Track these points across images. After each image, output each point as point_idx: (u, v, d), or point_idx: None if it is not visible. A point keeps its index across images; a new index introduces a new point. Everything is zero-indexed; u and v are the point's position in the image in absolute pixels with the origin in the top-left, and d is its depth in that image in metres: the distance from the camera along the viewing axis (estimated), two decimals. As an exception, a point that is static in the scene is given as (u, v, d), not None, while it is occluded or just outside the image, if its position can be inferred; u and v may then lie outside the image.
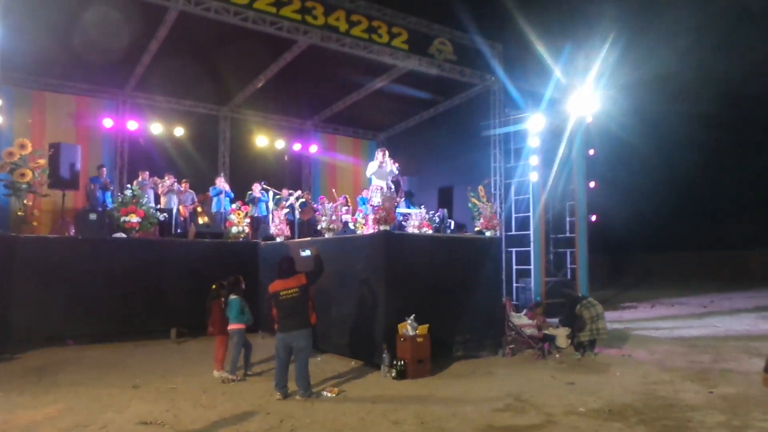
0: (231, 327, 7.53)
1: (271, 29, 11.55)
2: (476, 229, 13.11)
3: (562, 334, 9.17)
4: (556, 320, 9.81)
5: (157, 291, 10.49)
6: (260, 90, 15.25)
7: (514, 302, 13.16)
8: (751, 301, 17.10)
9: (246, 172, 16.00)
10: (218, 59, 13.48)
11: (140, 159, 14.70)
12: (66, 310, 9.71)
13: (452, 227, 14.17)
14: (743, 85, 24.10)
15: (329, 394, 6.57)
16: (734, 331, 11.30)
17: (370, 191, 10.96)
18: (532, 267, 14.00)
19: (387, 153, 11.28)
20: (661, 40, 19.36)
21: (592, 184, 15.41)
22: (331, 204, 9.73)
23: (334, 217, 9.31)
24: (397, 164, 11.09)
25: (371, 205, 10.80)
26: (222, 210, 12.95)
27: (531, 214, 14.18)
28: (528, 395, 6.54)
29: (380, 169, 10.96)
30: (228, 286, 7.66)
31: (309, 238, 10.20)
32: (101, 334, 10.05)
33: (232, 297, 7.55)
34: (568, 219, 15.21)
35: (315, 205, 15.03)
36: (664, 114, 23.25)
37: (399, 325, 7.64)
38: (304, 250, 8.21)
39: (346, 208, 13.38)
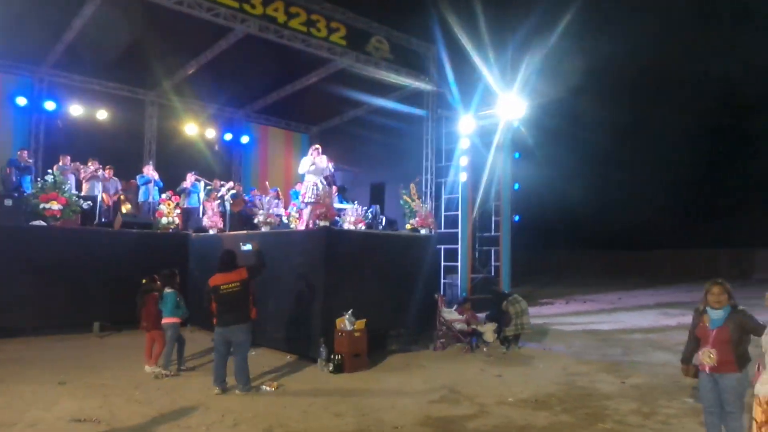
0: (165, 321, 7.36)
1: (208, 15, 11.24)
2: (408, 226, 13.47)
3: (489, 329, 9.63)
4: (483, 315, 10.28)
5: (79, 283, 9.99)
6: (191, 76, 14.78)
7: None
8: (653, 298, 18.56)
9: (174, 161, 15.48)
10: (148, 42, 12.92)
11: (58, 142, 13.82)
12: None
13: (384, 223, 14.44)
14: (658, 90, 26.11)
15: (268, 389, 6.61)
16: (639, 326, 12.26)
17: (303, 187, 10.96)
18: (459, 264, 14.51)
19: (320, 150, 11.29)
20: (586, 45, 20.52)
21: (516, 186, 16.20)
22: (267, 197, 9.66)
23: (271, 211, 9.26)
24: (332, 163, 11.13)
25: (304, 201, 10.84)
26: (150, 200, 12.47)
27: (459, 213, 14.68)
28: (461, 387, 6.88)
29: (314, 165, 10.96)
30: (163, 278, 7.47)
31: (245, 231, 10.08)
32: (16, 327, 9.46)
33: (168, 290, 7.38)
34: (493, 218, 15.87)
35: (245, 197, 14.85)
36: (584, 120, 24.76)
37: (337, 320, 7.77)
38: (244, 244, 8.13)
39: (278, 201, 13.29)
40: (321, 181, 10.67)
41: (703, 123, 27.85)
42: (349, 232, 8.79)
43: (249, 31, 11.89)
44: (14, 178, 10.28)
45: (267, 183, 13.47)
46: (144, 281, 7.68)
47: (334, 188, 9.01)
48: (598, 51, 21.96)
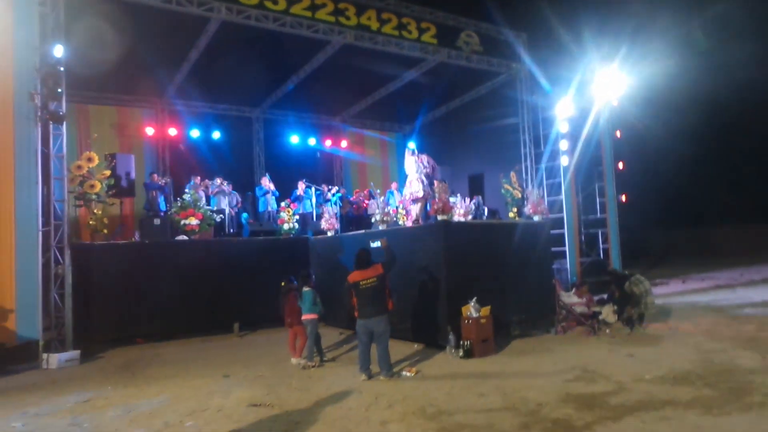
0: (305, 317, 8.05)
1: (308, 32, 12.04)
2: (510, 214, 13.55)
3: (609, 311, 9.61)
4: (602, 297, 10.25)
5: (218, 288, 11.03)
6: (292, 90, 15.75)
7: (553, 283, 13.63)
8: (778, 272, 17.43)
9: (280, 171, 16.53)
10: (252, 63, 13.97)
11: (180, 163, 15.30)
12: (136, 311, 10.29)
13: (486, 213, 14.65)
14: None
15: (409, 374, 7.09)
16: (770, 302, 11.67)
17: (408, 185, 11.39)
18: (567, 248, 14.42)
19: (417, 152, 11.65)
20: (687, 25, 19.60)
21: (620, 165, 15.80)
22: (382, 198, 10.20)
23: (386, 210, 9.79)
24: (429, 159, 11.44)
25: (410, 199, 11.29)
26: (269, 209, 13.48)
27: (563, 196, 14.57)
28: (593, 367, 7.02)
29: (417, 165, 11.36)
30: (301, 279, 8.18)
31: (362, 231, 10.70)
32: (167, 332, 10.63)
33: (305, 289, 8.07)
34: (598, 200, 15.59)
35: (349, 199, 15.60)
36: (687, 93, 23.50)
37: (463, 308, 8.13)
38: (374, 241, 8.71)
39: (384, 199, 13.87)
40: (423, 178, 11.06)
41: None
42: (465, 224, 9.12)
43: (346, 41, 12.55)
44: (159, 200, 11.55)
45: (372, 184, 14.05)
46: (283, 283, 8.41)
47: (445, 184, 9.32)
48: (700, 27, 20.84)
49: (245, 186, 15.68)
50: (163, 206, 11.52)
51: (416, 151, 11.41)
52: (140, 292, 10.31)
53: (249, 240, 11.97)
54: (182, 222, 10.83)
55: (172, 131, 15.26)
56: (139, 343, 10.27)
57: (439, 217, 8.62)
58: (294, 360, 8.13)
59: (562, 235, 14.38)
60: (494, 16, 14.93)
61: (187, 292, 10.75)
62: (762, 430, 4.70)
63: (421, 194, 10.54)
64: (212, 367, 8.21)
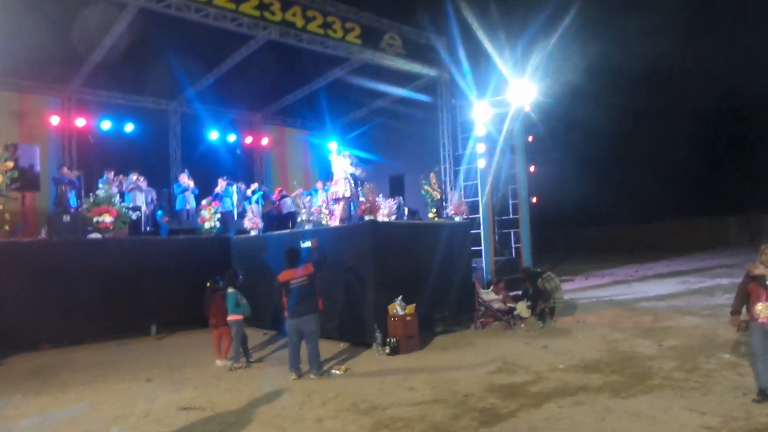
0: (230, 318, 7.93)
1: (232, 25, 11.76)
2: (430, 215, 13.97)
3: (523, 306, 10.24)
4: (516, 293, 10.87)
5: (134, 289, 10.57)
6: (212, 84, 15.29)
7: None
8: (668, 268, 19.15)
9: (199, 167, 15.99)
10: (170, 54, 13.44)
11: (89, 157, 14.41)
12: (42, 314, 9.63)
13: (407, 214, 15.00)
14: (663, 75, 26.66)
15: (338, 372, 7.20)
16: (662, 295, 12.84)
17: (334, 184, 11.45)
18: (482, 248, 15.05)
19: (342, 150, 11.75)
20: (593, 32, 21.00)
21: (531, 168, 16.74)
22: (308, 197, 10.21)
23: (312, 210, 9.81)
24: (354, 159, 11.57)
25: (335, 198, 11.36)
26: (188, 207, 13.03)
27: (480, 198, 15.22)
28: (512, 359, 7.48)
29: (344, 162, 11.44)
30: (226, 279, 8.04)
31: (288, 230, 10.65)
32: (78, 336, 10.04)
33: (230, 290, 7.95)
34: (511, 201, 16.42)
35: (271, 197, 15.43)
36: (593, 101, 25.29)
37: (389, 306, 8.36)
38: (304, 241, 8.70)
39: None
40: (350, 178, 11.17)
41: (703, 106, 28.48)
42: (392, 224, 9.34)
43: (270, 37, 12.39)
44: (68, 195, 10.83)
45: (295, 183, 13.96)
46: (208, 283, 8.23)
47: (372, 184, 9.49)
48: (606, 36, 22.47)
49: (160, 182, 15.05)
50: (73, 202, 10.83)
51: (343, 150, 11.50)
52: (48, 293, 9.66)
53: (167, 239, 11.54)
54: (95, 219, 10.26)
55: (81, 122, 14.33)
56: (46, 349, 9.61)
57: (367, 218, 8.78)
58: (219, 362, 7.99)
59: (479, 235, 15.01)
60: (417, 20, 15.31)
61: (99, 293, 10.20)
62: (661, 407, 5.25)
63: (348, 194, 10.63)
64: (132, 371, 7.88)
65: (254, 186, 15.13)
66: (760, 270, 5.07)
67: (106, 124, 14.85)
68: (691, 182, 31.38)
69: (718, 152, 31.08)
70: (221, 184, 13.68)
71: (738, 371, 6.27)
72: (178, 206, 13.27)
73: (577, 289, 15.23)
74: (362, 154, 17.22)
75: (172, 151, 16.26)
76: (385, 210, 10.74)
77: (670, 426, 4.83)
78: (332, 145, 17.58)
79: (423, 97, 16.25)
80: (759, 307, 5.02)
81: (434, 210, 14.98)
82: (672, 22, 25.80)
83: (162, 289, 10.78)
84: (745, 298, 5.24)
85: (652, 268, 19.33)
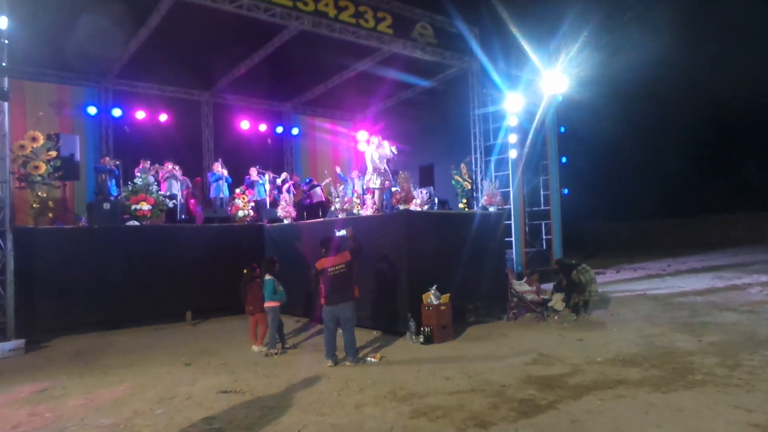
0: (267, 305, 8.03)
1: (265, 16, 11.82)
2: (460, 205, 13.91)
3: (557, 298, 10.14)
4: (549, 286, 10.77)
5: (170, 275, 10.77)
6: (244, 74, 15.43)
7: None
8: (702, 263, 18.75)
9: (230, 156, 16.19)
10: (204, 45, 13.59)
11: (125, 146, 14.71)
12: (83, 298, 9.89)
13: (436, 204, 14.96)
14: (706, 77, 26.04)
15: (373, 360, 7.25)
16: (698, 290, 12.57)
17: (368, 173, 11.49)
18: (513, 239, 14.96)
19: (381, 137, 11.79)
20: (630, 26, 20.63)
21: (563, 159, 16.52)
22: (342, 186, 10.25)
23: (346, 199, 9.85)
24: (394, 147, 11.62)
25: (370, 187, 11.40)
26: (222, 195, 13.22)
27: (511, 189, 15.09)
28: (548, 351, 7.41)
29: (378, 152, 11.47)
30: (264, 266, 8.15)
31: (321, 219, 10.71)
32: (116, 320, 10.31)
33: (267, 277, 8.04)
34: (542, 193, 16.25)
35: (303, 186, 15.53)
36: (629, 93, 24.85)
37: (423, 295, 8.36)
38: (338, 230, 8.77)
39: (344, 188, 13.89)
40: (385, 168, 11.19)
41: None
42: (426, 213, 9.32)
43: (303, 27, 12.43)
44: (108, 183, 11.08)
45: (337, 169, 13.94)
46: (245, 270, 8.35)
47: (408, 174, 9.48)
48: (642, 28, 22.00)
49: (194, 171, 15.30)
50: (113, 190, 11.07)
51: (380, 138, 11.50)
52: (88, 278, 9.92)
53: (202, 227, 11.73)
54: (133, 207, 10.48)
55: (117, 112, 14.63)
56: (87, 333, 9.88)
57: (401, 207, 8.78)
58: (255, 347, 8.11)
59: (509, 225, 14.89)
60: (448, 10, 15.17)
61: (137, 279, 10.45)
62: (705, 403, 5.16)
63: (381, 185, 10.64)
64: (170, 355, 8.07)
65: (284, 175, 15.26)
66: None
67: (140, 115, 15.12)
68: (725, 177, 30.58)
69: (747, 148, 30.19)
70: (253, 173, 13.82)
71: (783, 368, 6.12)
72: (212, 194, 13.45)
73: (608, 282, 15.00)
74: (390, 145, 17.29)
75: (205, 140, 16.49)
76: (418, 200, 10.77)
77: (716, 422, 4.74)
78: (362, 135, 17.61)
79: (454, 88, 16.15)
80: None
81: (465, 200, 14.95)
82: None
83: (197, 276, 10.99)
84: None
85: (686, 263, 18.94)
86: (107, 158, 11.99)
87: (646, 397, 5.41)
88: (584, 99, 16.69)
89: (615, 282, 15.01)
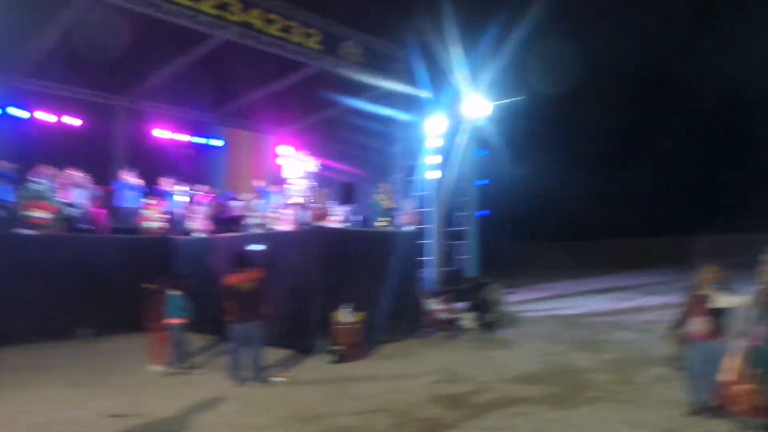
0: (171, 321, 7.67)
1: (189, 23, 11.42)
2: (379, 224, 14.02)
3: (468, 317, 10.37)
4: (461, 305, 11.00)
5: (67, 289, 10.03)
6: (164, 81, 14.84)
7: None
8: (603, 284, 19.90)
9: (145, 166, 15.46)
10: (123, 49, 12.98)
11: (26, 149, 13.65)
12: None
13: (357, 222, 14.99)
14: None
15: (281, 379, 7.08)
16: (598, 310, 13.31)
17: (289, 188, 11.37)
18: (430, 258, 15.19)
19: (305, 152, 11.73)
20: (547, 50, 21.74)
21: (482, 182, 17.06)
22: (259, 200, 10.04)
23: (264, 214, 9.66)
24: (319, 162, 11.56)
25: (292, 203, 11.27)
26: (131, 205, 12.53)
27: (430, 209, 15.36)
28: (456, 369, 7.55)
29: (300, 167, 11.39)
30: (170, 281, 7.78)
31: (237, 233, 10.42)
32: (2, 335, 9.44)
33: (175, 292, 7.69)
34: (460, 213, 16.66)
35: (220, 199, 15.08)
36: (549, 119, 26.26)
37: (336, 314, 8.28)
38: (252, 245, 8.53)
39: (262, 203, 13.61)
40: (307, 183, 11.12)
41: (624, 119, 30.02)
42: (342, 230, 9.30)
43: (229, 37, 12.17)
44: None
45: (257, 183, 13.61)
46: (150, 285, 7.94)
47: (325, 191, 9.44)
48: (563, 51, 23.26)
49: (103, 179, 14.44)
50: (7, 195, 10.22)
51: (303, 154, 11.41)
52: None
53: (107, 237, 11.05)
54: (30, 214, 9.72)
55: (17, 112, 13.62)
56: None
57: (317, 223, 8.70)
58: (156, 367, 7.68)
59: (426, 245, 15.13)
60: (377, 30, 15.38)
61: (28, 291, 9.62)
62: (599, 419, 5.42)
63: (301, 199, 10.55)
64: (61, 374, 7.50)
65: (205, 188, 14.74)
66: (701, 289, 5.32)
67: (45, 116, 14.15)
68: (629, 203, 32.81)
69: (662, 173, 32.56)
70: (167, 183, 13.25)
71: (669, 385, 6.50)
72: (120, 204, 12.73)
73: (519, 301, 15.55)
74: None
75: (118, 147, 15.63)
76: (336, 217, 10.74)
77: (605, 437, 4.98)
78: (286, 150, 17.41)
79: (380, 107, 16.32)
80: (696, 324, 5.25)
81: (385, 219, 15.07)
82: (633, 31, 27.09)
83: (98, 290, 10.32)
84: (685, 315, 5.46)
85: (587, 284, 20.04)
86: (2, 161, 11.07)
87: (546, 414, 5.61)
88: (506, 123, 17.40)
89: (525, 302, 15.59)
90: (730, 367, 4.19)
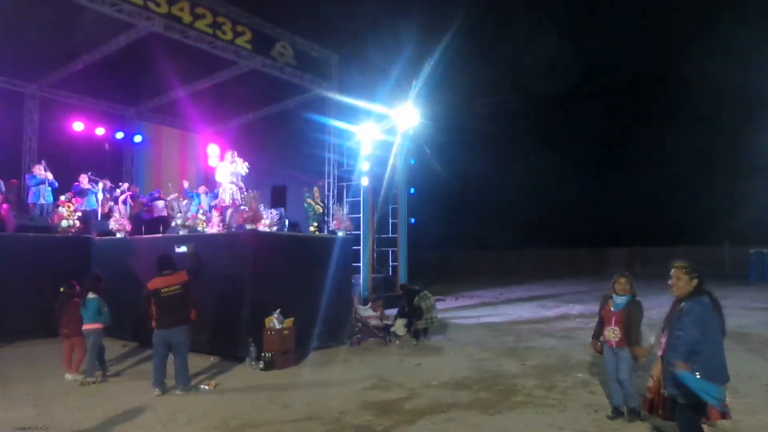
0: (88, 327, 7.18)
1: (111, 10, 10.90)
2: (311, 229, 13.89)
3: (400, 324, 10.40)
4: (394, 311, 11.04)
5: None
6: (81, 70, 13.97)
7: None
8: (528, 292, 20.64)
9: (58, 160, 14.46)
10: (36, 32, 12.12)
11: None
12: None
13: (287, 226, 14.74)
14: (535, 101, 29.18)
15: (207, 387, 6.78)
16: (525, 318, 13.74)
17: (220, 190, 11.01)
18: (361, 264, 15.17)
19: (236, 153, 11.40)
20: (476, 59, 22.43)
21: (412, 190, 17.28)
22: (185, 201, 9.64)
23: (190, 215, 9.27)
24: (247, 164, 11.27)
25: (220, 205, 10.92)
26: (43, 201, 11.65)
27: (361, 215, 15.37)
28: (387, 376, 7.53)
29: (231, 169, 11.04)
30: (87, 283, 7.28)
31: (160, 234, 9.93)
32: None
33: (91, 296, 7.20)
34: (391, 221, 16.78)
35: (142, 199, 14.39)
36: (474, 127, 27.01)
37: (266, 319, 8.06)
38: (179, 246, 8.11)
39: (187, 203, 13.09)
40: (238, 184, 10.80)
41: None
42: (274, 234, 9.06)
43: (154, 29, 11.66)
44: None
45: (170, 185, 13.10)
46: (62, 287, 7.41)
47: (257, 193, 9.18)
48: (489, 60, 24.06)
49: (9, 172, 13.37)
50: None
51: (234, 155, 11.07)
52: None
53: (15, 236, 10.20)
54: (-77, 209, 8.83)
55: None
56: None
57: (248, 226, 8.45)
58: (70, 376, 7.17)
59: (358, 251, 15.11)
60: (310, 33, 15.26)
61: None
62: (525, 423, 5.55)
63: (231, 201, 10.22)
64: (-42, 385, 6.82)
65: (124, 186, 13.99)
66: (611, 298, 5.58)
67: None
68: (553, 215, 34.34)
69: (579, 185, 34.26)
70: (83, 180, 12.45)
71: (590, 389, 6.82)
72: (31, 200, 11.83)
73: (448, 308, 15.82)
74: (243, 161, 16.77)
75: (26, 138, 14.55)
76: (267, 220, 10.48)
77: (533, 441, 5.11)
78: (213, 150, 16.87)
79: (311, 111, 16.18)
80: (608, 331, 5.51)
81: (316, 224, 14.91)
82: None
83: (3, 292, 9.51)
84: (601, 323, 5.70)
85: (513, 292, 20.71)
86: None
87: (475, 420, 5.69)
88: (435, 133, 17.73)
89: (453, 309, 15.89)
90: (654, 373, 4.41)
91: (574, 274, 27.67)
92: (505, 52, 25.88)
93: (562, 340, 10.37)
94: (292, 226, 15.00)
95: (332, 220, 10.65)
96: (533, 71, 27.30)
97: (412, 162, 17.26)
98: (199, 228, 11.30)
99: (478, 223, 33.70)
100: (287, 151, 17.37)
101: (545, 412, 5.94)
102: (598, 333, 5.70)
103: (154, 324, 6.52)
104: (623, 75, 30.53)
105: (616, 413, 5.56)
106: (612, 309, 5.48)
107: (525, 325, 12.46)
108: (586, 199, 32.48)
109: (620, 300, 5.45)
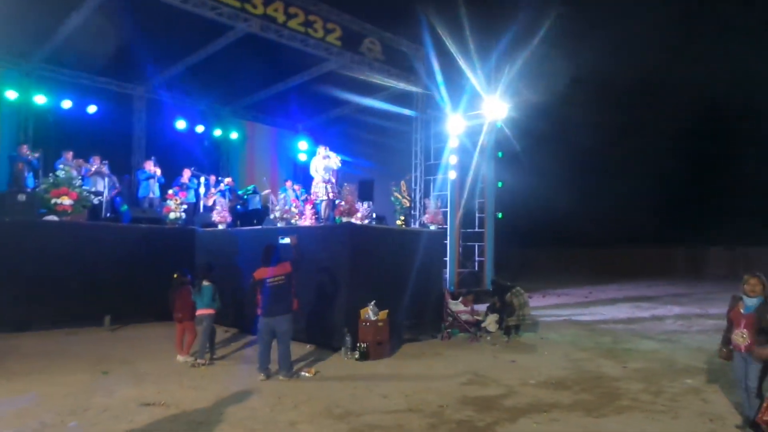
0: (202, 312, 7.63)
1: (211, 14, 11.41)
2: (398, 222, 13.96)
3: (491, 320, 10.26)
4: (482, 306, 10.90)
5: (89, 277, 10.03)
6: (183, 72, 14.82)
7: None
8: (621, 292, 19.71)
9: (163, 156, 15.43)
10: (142, 37, 12.95)
11: (48, 137, 13.67)
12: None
13: (375, 219, 14.92)
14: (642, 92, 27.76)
15: (308, 375, 7.01)
16: (619, 318, 13.14)
17: (314, 185, 11.32)
18: (447, 259, 15.09)
19: (328, 148, 11.66)
20: (566, 50, 21.54)
21: (500, 184, 16.96)
22: (282, 195, 9.98)
23: (287, 208, 9.59)
24: (340, 158, 11.50)
25: (314, 199, 11.22)
26: (151, 195, 12.51)
27: (448, 209, 15.25)
28: (482, 371, 7.44)
29: (324, 163, 11.32)
30: (200, 272, 7.75)
31: (261, 226, 10.37)
32: (25, 322, 9.46)
33: (206, 284, 7.64)
34: (477, 215, 16.57)
35: (238, 192, 15.05)
36: (566, 120, 26.07)
37: (361, 310, 8.21)
38: (282, 238, 8.46)
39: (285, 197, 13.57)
40: (330, 180, 11.06)
41: (673, 128, 29.84)
42: (370, 228, 9.22)
43: (251, 30, 12.12)
44: (26, 174, 10.21)
45: (265, 179, 13.64)
46: (176, 275, 7.90)
47: (353, 187, 9.36)
48: (581, 56, 23.12)
49: (122, 168, 14.44)
50: (30, 182, 10.20)
51: (327, 149, 11.35)
52: (-3, 275, 9.05)
53: (129, 226, 11.03)
54: (53, 201, 9.71)
55: (40, 99, 13.60)
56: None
57: (344, 220, 8.63)
58: (181, 357, 7.65)
59: (445, 245, 15.04)
60: (397, 28, 15.29)
61: (51, 278, 9.63)
62: (634, 428, 5.31)
63: (327, 195, 10.49)
64: (84, 362, 7.46)
65: (227, 180, 14.70)
66: (740, 299, 5.18)
67: (67, 104, 14.14)
68: (648, 212, 32.56)
69: (680, 184, 32.30)
70: (186, 174, 13.21)
71: (702, 397, 6.40)
72: (141, 194, 12.71)
73: (535, 306, 15.38)
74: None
75: (136, 137, 15.64)
76: (360, 214, 10.67)
77: (646, 446, 4.87)
78: (304, 145, 17.37)
79: (398, 105, 16.24)
80: (736, 335, 5.12)
81: (402, 218, 15.01)
82: (649, 36, 26.89)
83: (119, 279, 10.32)
84: (730, 326, 5.31)
85: (605, 291, 19.85)
86: (25, 147, 11.06)
87: (579, 422, 5.51)
88: (525, 124, 17.27)
89: (542, 307, 15.45)
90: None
91: (667, 274, 26.13)
92: (603, 42, 24.68)
93: (663, 343, 9.82)
94: (379, 219, 15.17)
95: (425, 214, 10.62)
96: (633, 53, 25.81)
97: (500, 155, 16.95)
98: (293, 221, 11.71)
99: (566, 219, 32.49)
100: (375, 144, 17.57)
101: (655, 418, 5.65)
102: (727, 339, 5.30)
103: (259, 312, 6.81)
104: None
105: (747, 424, 5.15)
106: (742, 311, 5.10)
107: (620, 325, 11.92)
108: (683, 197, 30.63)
109: (751, 302, 5.06)
